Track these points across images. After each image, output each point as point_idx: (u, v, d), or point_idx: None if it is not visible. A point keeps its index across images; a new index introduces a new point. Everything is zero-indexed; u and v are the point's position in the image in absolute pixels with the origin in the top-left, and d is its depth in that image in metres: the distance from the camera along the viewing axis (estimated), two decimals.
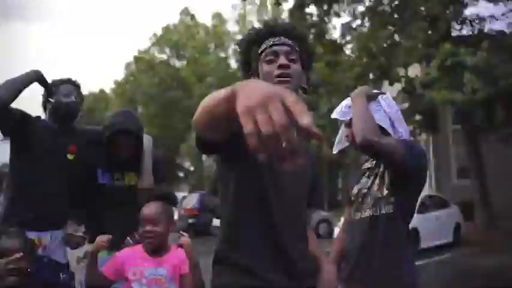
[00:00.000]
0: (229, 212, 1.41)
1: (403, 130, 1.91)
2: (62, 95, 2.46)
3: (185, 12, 27.03)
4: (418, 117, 12.23)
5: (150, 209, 2.04)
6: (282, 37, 1.44)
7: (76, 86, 2.56)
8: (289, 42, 1.43)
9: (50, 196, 2.34)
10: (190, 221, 14.52)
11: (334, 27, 21.00)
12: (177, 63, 26.82)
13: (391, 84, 11.31)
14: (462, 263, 7.98)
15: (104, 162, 2.50)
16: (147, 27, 54.53)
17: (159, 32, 27.14)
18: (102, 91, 29.20)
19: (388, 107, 1.91)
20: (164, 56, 27.11)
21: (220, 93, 0.90)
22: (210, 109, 0.95)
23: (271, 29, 1.46)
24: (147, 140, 2.59)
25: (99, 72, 54.42)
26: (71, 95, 2.48)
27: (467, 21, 10.25)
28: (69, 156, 2.48)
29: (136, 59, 27.33)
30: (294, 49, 1.43)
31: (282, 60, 1.39)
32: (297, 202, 1.46)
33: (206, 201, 15.08)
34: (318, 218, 12.30)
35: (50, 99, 2.49)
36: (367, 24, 11.91)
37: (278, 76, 1.38)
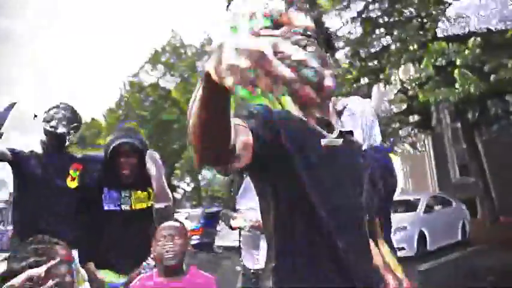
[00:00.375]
0: (278, 238, 1.20)
1: (376, 134, 1.91)
2: (47, 123, 2.46)
3: (173, 34, 27.27)
4: (416, 118, 12.28)
5: (170, 225, 1.98)
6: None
7: (65, 109, 2.53)
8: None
9: (54, 225, 2.28)
10: (193, 240, 14.38)
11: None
12: (168, 84, 26.99)
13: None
14: (473, 263, 7.88)
15: (108, 182, 2.43)
16: (136, 52, 54.85)
17: (148, 56, 27.31)
18: (93, 119, 29.32)
19: (360, 112, 1.89)
20: (154, 78, 27.26)
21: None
22: (196, 114, 0.84)
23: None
24: (154, 156, 2.48)
25: (90, 101, 54.47)
26: (54, 119, 2.47)
27: (452, 20, 10.32)
28: (70, 184, 2.44)
29: (129, 82, 27.48)
30: (306, 37, 1.23)
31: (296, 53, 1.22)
32: (351, 208, 1.22)
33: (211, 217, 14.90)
34: None
35: (45, 124, 2.49)
36: (357, 29, 11.98)
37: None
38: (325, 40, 1.29)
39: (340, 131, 1.23)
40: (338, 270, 1.14)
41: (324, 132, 1.21)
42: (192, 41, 28.89)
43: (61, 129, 2.48)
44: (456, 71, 8.27)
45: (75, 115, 2.57)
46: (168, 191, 2.41)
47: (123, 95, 27.41)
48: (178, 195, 30.47)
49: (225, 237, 12.73)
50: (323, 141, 1.17)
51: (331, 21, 12.71)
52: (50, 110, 2.52)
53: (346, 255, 1.14)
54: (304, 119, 1.17)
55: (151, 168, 2.40)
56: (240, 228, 2.86)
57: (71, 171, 2.46)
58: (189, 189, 28.96)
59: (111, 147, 2.36)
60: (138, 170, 2.40)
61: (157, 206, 2.34)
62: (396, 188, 2.02)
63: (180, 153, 23.85)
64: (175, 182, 27.69)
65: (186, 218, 16.19)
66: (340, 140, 1.19)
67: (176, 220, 2.09)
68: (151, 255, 2.04)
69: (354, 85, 11.62)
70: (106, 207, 2.40)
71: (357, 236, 1.21)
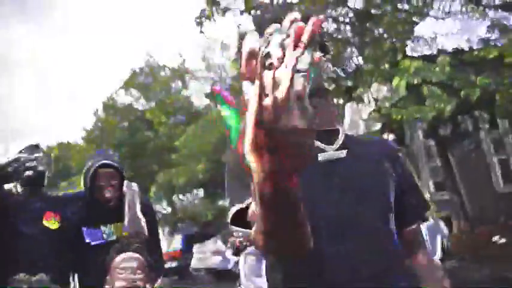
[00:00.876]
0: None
1: None
2: (22, 165, 2.42)
3: (147, 56, 27.28)
4: (390, 136, 12.44)
5: (133, 256, 1.89)
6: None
7: (36, 149, 2.52)
8: None
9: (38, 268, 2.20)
10: (172, 264, 14.09)
11: None
12: (144, 106, 26.87)
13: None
14: (452, 276, 7.91)
15: (88, 219, 2.39)
16: (112, 74, 54.49)
17: (125, 77, 27.20)
18: (69, 143, 28.97)
19: None
20: (131, 99, 27.11)
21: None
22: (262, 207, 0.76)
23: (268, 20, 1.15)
24: (132, 187, 2.48)
25: (67, 122, 53.66)
26: (30, 162, 2.44)
27: (421, 39, 10.61)
28: (50, 224, 2.38)
29: (104, 105, 27.27)
30: None
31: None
32: (349, 216, 1.11)
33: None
34: None
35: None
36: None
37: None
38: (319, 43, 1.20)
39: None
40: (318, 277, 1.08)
41: (320, 144, 1.13)
42: (166, 62, 28.86)
43: (41, 168, 2.46)
44: (426, 89, 8.45)
45: (47, 155, 2.60)
46: (142, 217, 2.36)
47: (98, 119, 27.13)
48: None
49: (203, 260, 12.53)
50: (321, 156, 1.10)
51: None
52: (19, 155, 2.47)
53: (337, 263, 1.07)
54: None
55: (127, 193, 2.41)
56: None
57: (50, 219, 2.39)
58: (164, 212, 28.55)
59: (93, 168, 2.35)
60: (119, 193, 2.39)
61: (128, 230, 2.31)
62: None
63: (154, 175, 23.55)
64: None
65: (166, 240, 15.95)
66: (343, 152, 1.13)
67: (140, 252, 1.96)
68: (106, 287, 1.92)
69: None
70: (93, 243, 2.37)
71: (361, 243, 1.09)
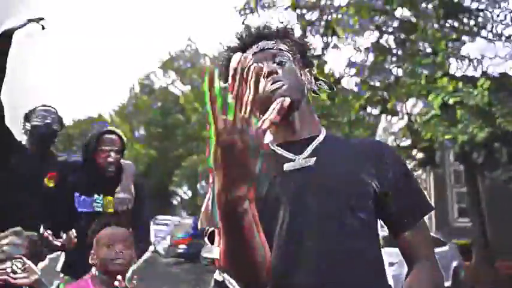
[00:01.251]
0: None
1: None
2: (37, 119, 2.52)
3: (189, 42, 27.61)
4: (420, 154, 12.11)
5: (120, 231, 1.89)
6: (262, 42, 1.20)
7: (52, 111, 2.61)
8: (271, 44, 1.18)
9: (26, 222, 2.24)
10: (180, 249, 14.18)
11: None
12: (177, 91, 27.19)
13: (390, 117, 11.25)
14: None
15: (83, 186, 2.45)
16: (151, 54, 55.43)
17: (164, 59, 27.56)
18: (100, 116, 29.59)
19: None
20: (168, 81, 27.47)
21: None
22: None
23: (251, 37, 1.22)
24: (129, 165, 2.60)
25: (101, 97, 54.96)
26: (45, 118, 2.53)
27: (466, 59, 10.24)
28: (48, 183, 2.44)
29: (140, 83, 27.77)
30: (278, 51, 1.18)
31: (266, 68, 1.12)
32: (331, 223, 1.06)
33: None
34: None
35: (26, 123, 2.56)
36: (369, 57, 11.92)
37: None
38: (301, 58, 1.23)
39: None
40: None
41: (288, 155, 1.13)
42: (207, 50, 29.10)
43: (55, 127, 2.57)
44: (461, 111, 8.13)
45: (59, 116, 2.65)
46: (133, 190, 2.48)
47: (132, 96, 27.65)
48: (174, 202, 30.39)
49: (211, 250, 12.56)
50: (286, 167, 1.10)
51: (345, 48, 12.73)
52: (35, 109, 2.59)
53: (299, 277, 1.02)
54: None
55: (125, 167, 2.56)
56: None
57: (50, 178, 2.45)
58: (185, 197, 28.88)
59: (99, 132, 2.49)
60: (119, 163, 2.51)
61: (119, 195, 2.42)
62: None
63: (181, 160, 23.82)
64: (172, 189, 27.66)
65: (176, 225, 16.08)
66: (311, 160, 1.10)
67: (125, 227, 1.96)
68: (91, 261, 1.89)
69: (361, 113, 11.51)
70: (79, 210, 2.44)
71: (323, 254, 1.03)
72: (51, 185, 2.44)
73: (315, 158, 1.10)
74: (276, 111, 0.80)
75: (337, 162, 1.12)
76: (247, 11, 12.71)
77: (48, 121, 2.53)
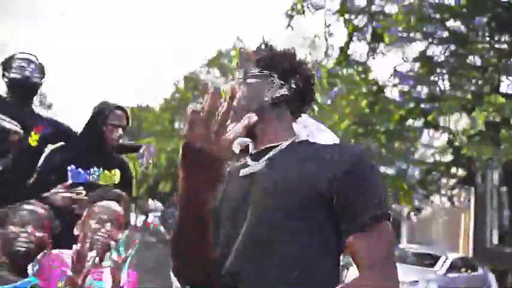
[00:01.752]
0: None
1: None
2: (15, 71, 2.39)
3: (237, 40, 27.78)
4: (460, 171, 11.60)
5: (117, 208, 1.85)
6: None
7: (31, 60, 2.44)
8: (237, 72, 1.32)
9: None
10: None
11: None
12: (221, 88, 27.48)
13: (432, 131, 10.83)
14: None
15: (81, 158, 2.40)
16: (199, 51, 56.19)
17: (209, 57, 27.89)
18: (147, 107, 30.34)
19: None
20: (212, 78, 27.79)
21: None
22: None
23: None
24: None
25: (149, 89, 56.28)
26: (24, 70, 2.39)
27: None
28: (31, 141, 2.33)
29: (185, 78, 28.24)
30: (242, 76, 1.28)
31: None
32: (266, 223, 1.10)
33: None
34: None
35: (5, 72, 2.41)
36: (415, 67, 11.55)
37: None
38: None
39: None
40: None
41: (249, 161, 1.21)
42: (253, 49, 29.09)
43: (35, 79, 2.43)
44: (504, 130, 7.69)
45: (41, 64, 2.49)
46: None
47: (178, 89, 28.16)
48: None
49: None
50: (241, 172, 1.19)
51: (392, 57, 12.39)
52: (15, 58, 2.41)
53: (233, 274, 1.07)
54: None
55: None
56: None
57: (33, 133, 2.34)
58: None
59: (110, 108, 2.49)
60: (120, 146, 2.57)
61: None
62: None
63: None
64: None
65: None
66: (261, 164, 1.17)
67: (117, 202, 1.91)
68: (76, 231, 1.85)
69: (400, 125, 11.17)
70: (72, 181, 2.32)
71: (264, 258, 1.07)
72: (34, 143, 2.34)
73: (264, 164, 1.16)
74: (242, 126, 0.89)
75: (288, 167, 1.14)
76: (294, 13, 12.62)
77: (27, 74, 2.37)
